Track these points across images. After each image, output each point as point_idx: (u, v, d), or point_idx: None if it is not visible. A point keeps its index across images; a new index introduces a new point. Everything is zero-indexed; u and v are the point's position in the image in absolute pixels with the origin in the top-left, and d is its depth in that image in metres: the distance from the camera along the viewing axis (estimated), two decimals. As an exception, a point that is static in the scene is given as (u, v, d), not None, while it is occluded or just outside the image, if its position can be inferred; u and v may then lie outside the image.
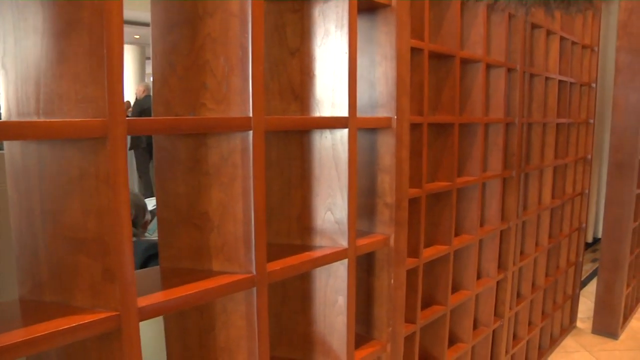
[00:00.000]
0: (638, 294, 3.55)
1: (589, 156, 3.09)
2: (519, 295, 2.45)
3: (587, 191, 3.11)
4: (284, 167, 0.94)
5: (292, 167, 0.94)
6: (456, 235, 1.90)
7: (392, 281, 1.00)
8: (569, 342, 3.04)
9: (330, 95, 0.89)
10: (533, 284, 2.58)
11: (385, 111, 0.99)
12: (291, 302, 0.97)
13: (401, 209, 0.99)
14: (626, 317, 3.28)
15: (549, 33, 2.39)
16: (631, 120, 2.91)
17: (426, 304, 1.80)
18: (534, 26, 2.24)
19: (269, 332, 0.77)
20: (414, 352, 1.63)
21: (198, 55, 0.77)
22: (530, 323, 2.61)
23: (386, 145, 0.97)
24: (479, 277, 2.08)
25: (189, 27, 0.77)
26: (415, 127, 1.55)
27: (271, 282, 0.80)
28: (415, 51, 1.52)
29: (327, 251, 0.90)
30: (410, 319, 1.64)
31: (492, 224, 2.05)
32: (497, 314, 2.23)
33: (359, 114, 0.98)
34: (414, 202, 1.57)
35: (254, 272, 0.78)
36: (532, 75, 2.29)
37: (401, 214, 0.99)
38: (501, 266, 2.18)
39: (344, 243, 0.92)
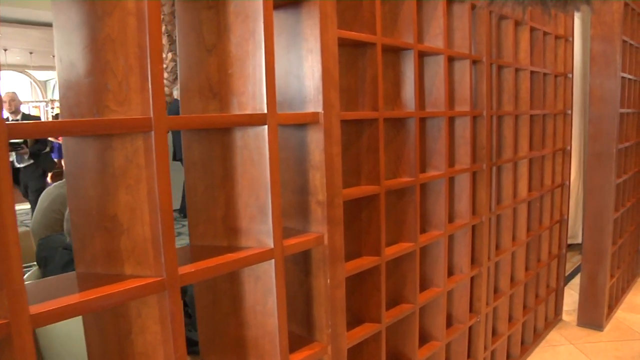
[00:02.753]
0: (622, 284, 3.53)
1: (568, 147, 3.06)
2: (497, 290, 2.42)
3: (567, 183, 3.08)
4: (207, 167, 0.90)
5: (215, 167, 0.91)
6: (424, 231, 1.87)
7: (329, 281, 0.96)
8: (553, 335, 3.01)
9: (249, 92, 0.86)
10: (512, 279, 2.55)
11: (313, 106, 0.95)
12: (222, 304, 0.94)
13: (334, 206, 0.95)
14: (611, 308, 3.25)
15: (517, 24, 2.36)
16: (608, 109, 2.88)
17: (395, 302, 1.77)
18: (501, 17, 2.21)
19: (184, 335, 0.74)
20: (381, 351, 1.59)
21: (99, 56, 0.74)
22: (511, 318, 2.58)
23: (315, 141, 0.94)
24: (451, 273, 2.05)
25: (89, 28, 0.73)
26: (371, 122, 1.51)
27: (183, 285, 0.76)
28: (368, 45, 1.49)
29: (250, 252, 0.87)
30: (375, 318, 1.60)
31: (463, 219, 2.01)
32: (473, 310, 2.19)
33: (288, 110, 0.95)
34: (373, 199, 1.54)
35: (164, 276, 0.75)
36: (500, 67, 2.26)
37: (334, 211, 0.95)
38: (475, 262, 2.15)
39: (269, 243, 0.89)
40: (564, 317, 3.24)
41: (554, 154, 2.89)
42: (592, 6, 0.85)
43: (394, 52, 1.66)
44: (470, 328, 2.16)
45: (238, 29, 0.85)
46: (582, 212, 4.77)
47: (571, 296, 3.50)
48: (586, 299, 3.07)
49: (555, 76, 2.83)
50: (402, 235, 1.72)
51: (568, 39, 2.93)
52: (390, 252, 1.62)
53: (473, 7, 1.98)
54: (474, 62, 2.03)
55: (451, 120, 1.96)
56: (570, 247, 4.71)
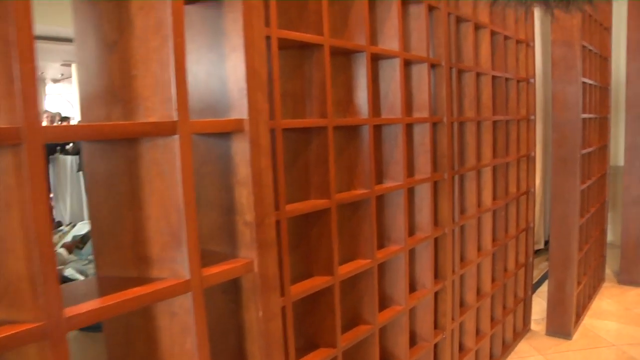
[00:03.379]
0: (589, 291, 3.49)
1: (532, 153, 3.01)
2: (463, 304, 2.32)
3: (532, 190, 3.02)
4: (111, 185, 0.76)
5: (121, 184, 0.77)
6: (382, 246, 1.75)
7: (260, 313, 0.83)
8: (522, 346, 2.93)
9: (157, 96, 0.72)
10: (478, 291, 2.46)
11: (238, 112, 0.82)
12: (136, 345, 0.80)
13: (264, 227, 0.82)
14: (579, 316, 3.20)
15: (477, 27, 2.29)
16: (571, 114, 2.84)
17: (353, 324, 1.64)
18: (460, 20, 2.13)
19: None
20: (337, 380, 1.46)
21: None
22: (478, 332, 2.48)
23: (240, 152, 0.81)
24: (413, 289, 1.93)
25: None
26: (319, 130, 1.39)
27: (70, 330, 0.62)
28: (315, 47, 1.37)
29: (161, 285, 0.73)
30: (330, 343, 1.47)
31: (425, 232, 1.90)
32: (439, 327, 2.08)
33: (211, 117, 0.82)
34: (323, 214, 1.41)
35: (45, 320, 0.61)
36: (461, 71, 2.17)
37: (265, 233, 0.82)
38: (439, 276, 2.04)
39: (185, 274, 0.75)
40: (533, 326, 3.17)
41: (518, 161, 2.83)
42: (595, 6, 0.77)
43: (344, 55, 1.54)
44: (435, 345, 2.05)
45: (142, 22, 0.72)
46: (544, 218, 4.77)
47: (539, 304, 3.44)
48: (554, 308, 3.01)
49: (518, 81, 2.77)
50: (358, 251, 1.60)
51: (529, 44, 2.89)
52: (345, 270, 1.49)
53: (430, 8, 1.89)
54: (433, 66, 1.93)
55: (409, 128, 1.86)
56: (535, 253, 4.69)
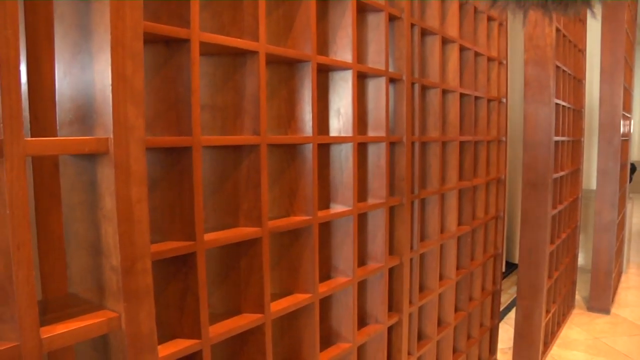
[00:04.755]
0: (558, 318, 3.37)
1: (503, 176, 2.88)
2: (422, 337, 2.15)
3: (502, 214, 2.89)
4: None
5: None
6: (328, 278, 1.58)
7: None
8: (487, 379, 2.78)
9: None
10: (440, 322, 2.30)
11: (104, 128, 0.65)
12: None
13: (134, 273, 0.65)
14: (547, 346, 3.07)
15: (445, 41, 2.15)
16: (542, 136, 2.72)
17: (292, 366, 1.46)
18: (425, 32, 1.99)
19: None
20: None
21: None
22: (439, 366, 2.32)
23: (106, 179, 0.64)
24: (364, 324, 1.76)
25: None
26: (251, 149, 1.22)
27: None
28: (248, 54, 1.20)
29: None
30: (260, 393, 1.29)
31: (378, 261, 1.74)
32: (393, 364, 1.91)
33: (80, 134, 0.65)
34: (253, 244, 1.23)
35: None
36: (425, 88, 2.03)
37: (136, 281, 0.65)
38: (394, 308, 1.88)
39: (15, 336, 0.57)
40: (499, 356, 3.02)
41: (487, 184, 2.69)
42: (593, 9, 0.84)
43: (287, 65, 1.38)
44: (388, 385, 1.88)
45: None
46: (505, 240, 4.66)
47: (507, 332, 3.31)
48: (521, 338, 2.86)
49: (489, 100, 2.65)
50: (297, 285, 1.42)
51: (502, 62, 2.77)
52: (279, 307, 1.31)
53: (391, 18, 1.74)
54: (392, 81, 1.78)
55: (362, 148, 1.70)
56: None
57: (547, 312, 2.98)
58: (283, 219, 1.36)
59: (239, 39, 1.15)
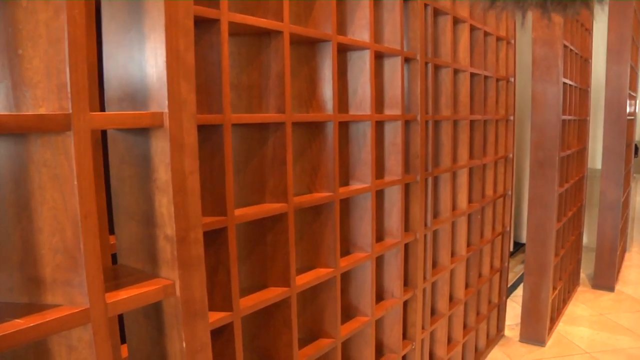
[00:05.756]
0: (564, 295, 3.43)
1: (510, 155, 2.91)
2: (434, 312, 2.21)
3: (509, 192, 2.93)
4: (-6, 192, 0.62)
5: (6, 191, 0.62)
6: (348, 253, 1.62)
7: (184, 344, 0.69)
8: (495, 353, 2.84)
9: (47, 81, 0.58)
10: (451, 298, 2.35)
11: (157, 104, 0.68)
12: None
13: (189, 243, 0.68)
14: (553, 322, 3.13)
15: (456, 21, 2.17)
16: (550, 115, 2.75)
17: (314, 338, 1.51)
18: (438, 12, 2.01)
19: None
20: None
21: None
22: (450, 340, 2.38)
23: (160, 153, 0.67)
24: (381, 298, 1.81)
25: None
26: (277, 127, 1.25)
27: None
28: (273, 34, 1.23)
29: (53, 315, 0.59)
30: (287, 359, 1.34)
31: (394, 237, 1.78)
32: (407, 337, 1.97)
33: (131, 109, 0.68)
34: (279, 219, 1.27)
35: None
36: (437, 67, 2.05)
37: (190, 250, 0.69)
38: (409, 284, 1.93)
39: (83, 300, 0.61)
40: (507, 332, 3.09)
41: (496, 163, 2.73)
42: (592, 9, 0.84)
43: (309, 45, 1.40)
44: (404, 357, 1.93)
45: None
46: (513, 220, 4.71)
47: (514, 309, 3.37)
48: (528, 315, 2.93)
49: (497, 79, 2.67)
50: (319, 260, 1.47)
51: (510, 42, 2.79)
52: (303, 281, 1.36)
53: (405, -2, 1.76)
54: (407, 60, 1.81)
55: (379, 126, 1.73)
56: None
57: (554, 289, 3.04)
58: (306, 195, 1.40)
59: (265, 19, 1.18)
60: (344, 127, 1.58)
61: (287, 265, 1.29)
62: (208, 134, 1.10)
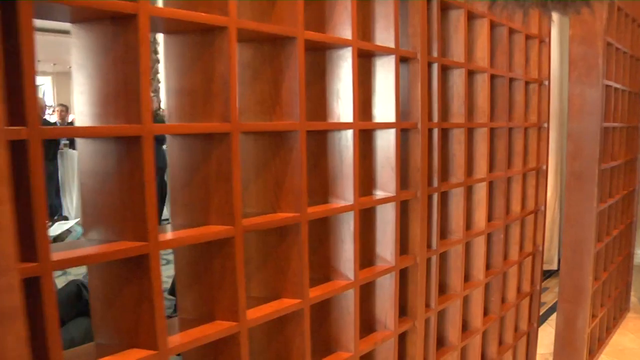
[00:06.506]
0: (608, 323, 3.06)
1: (544, 167, 2.61)
2: (444, 343, 1.96)
3: (542, 208, 2.62)
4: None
5: None
6: (326, 280, 1.42)
7: None
8: (523, 388, 2.55)
9: None
10: (466, 327, 2.10)
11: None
12: None
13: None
14: (593, 354, 2.78)
15: (472, 16, 1.92)
16: (589, 122, 2.44)
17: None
18: (447, 6, 1.78)
19: None
20: None
21: None
22: (464, 374, 2.12)
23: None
24: (371, 330, 1.60)
25: None
26: (221, 138, 1.07)
27: None
28: (217, 30, 1.06)
29: None
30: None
31: (387, 262, 1.57)
32: (407, 374, 1.74)
33: None
34: (225, 244, 1.10)
35: None
36: (446, 68, 1.82)
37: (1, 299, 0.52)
38: (407, 313, 1.70)
39: None
40: (539, 363, 2.78)
41: (524, 175, 2.44)
42: (593, 8, 0.83)
43: (271, 43, 1.22)
44: (401, 396, 1.71)
45: None
46: (560, 236, 4.32)
47: (550, 335, 3.04)
48: (562, 346, 2.61)
49: (527, 83, 2.38)
50: (285, 288, 1.28)
51: (544, 40, 2.49)
52: (259, 313, 1.17)
53: (402, -10, 1.55)
54: (405, 60, 1.59)
55: (367, 135, 1.52)
56: (547, 273, 4.26)
57: (594, 317, 2.70)
58: (265, 215, 1.21)
59: (204, 14, 1.01)
60: (321, 138, 1.39)
61: (235, 296, 1.11)
62: (127, 147, 0.94)
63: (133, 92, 0.91)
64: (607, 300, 2.95)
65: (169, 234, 1.02)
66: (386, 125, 1.51)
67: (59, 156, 6.55)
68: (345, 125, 1.35)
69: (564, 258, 2.55)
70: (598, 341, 2.87)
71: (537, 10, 0.84)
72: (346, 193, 1.39)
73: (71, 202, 6.67)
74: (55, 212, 6.58)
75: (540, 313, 3.60)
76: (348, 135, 1.37)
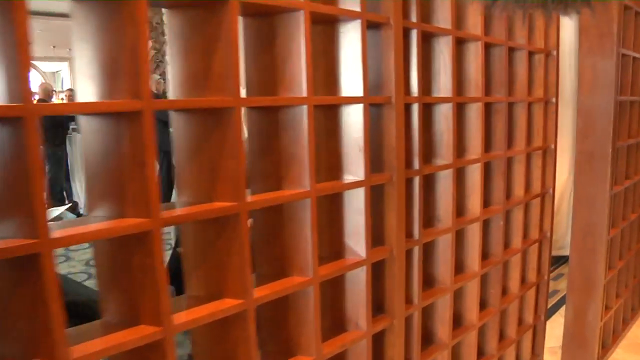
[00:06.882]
0: (625, 314, 2.83)
1: (552, 146, 2.38)
2: (432, 341, 1.80)
3: (550, 191, 2.40)
4: None
5: None
6: (283, 276, 1.27)
7: None
8: (528, 385, 2.36)
9: None
10: (458, 323, 1.92)
11: None
12: None
13: None
14: (607, 348, 2.58)
15: (461, -23, 1.71)
16: (601, 96, 2.20)
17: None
18: (429, -35, 1.57)
19: None
20: None
21: None
22: (458, 372, 1.95)
23: None
24: (342, 331, 1.44)
25: None
26: (132, 118, 0.92)
27: None
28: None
29: None
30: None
31: (357, 255, 1.40)
32: (385, 376, 1.58)
33: None
34: (142, 240, 0.95)
35: None
36: (430, 36, 1.62)
37: None
38: (385, 311, 1.53)
39: None
40: (547, 357, 2.58)
41: (528, 156, 2.22)
42: (593, 8, 0.83)
43: (204, 9, 1.05)
44: (379, 400, 1.55)
45: None
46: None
47: (562, 327, 2.83)
48: (571, 339, 2.41)
49: (530, 53, 2.15)
50: (227, 287, 1.13)
51: (551, 5, 2.24)
52: (189, 317, 1.03)
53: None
54: (375, 26, 1.40)
55: (329, 112, 1.35)
56: (562, 260, 4.02)
57: (607, 308, 2.49)
58: (197, 205, 1.06)
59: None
60: (272, 115, 1.22)
61: (157, 298, 0.96)
62: (11, 129, 0.80)
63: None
64: (623, 291, 2.72)
65: (69, 230, 0.88)
66: (351, 100, 1.33)
67: (67, 142, 6.54)
68: (297, 100, 1.18)
69: (573, 245, 2.34)
70: (613, 334, 2.66)
71: (537, 10, 0.83)
72: (302, 178, 1.22)
73: (81, 188, 6.66)
74: (67, 197, 6.60)
75: (553, 302, 3.39)
76: (302, 112, 1.20)
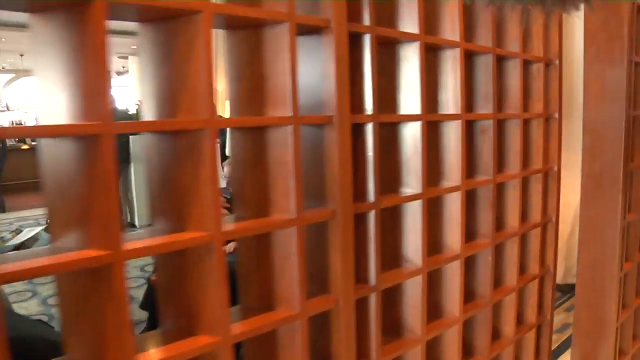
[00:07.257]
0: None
1: (555, 167, 2.09)
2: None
3: (553, 219, 2.11)
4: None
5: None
6: (194, 334, 1.03)
7: None
8: None
9: None
10: (435, 376, 1.64)
11: None
12: None
13: None
14: (623, 401, 2.25)
15: (432, -25, 1.46)
16: (611, 109, 1.91)
17: None
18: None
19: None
20: None
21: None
22: None
23: None
24: (273, 398, 1.19)
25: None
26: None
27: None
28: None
29: None
30: None
31: (290, 307, 1.15)
32: None
33: None
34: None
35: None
36: (390, 42, 1.37)
37: None
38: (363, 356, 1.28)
39: None
40: (554, 406, 2.27)
41: (524, 180, 1.94)
42: (592, 5, 0.78)
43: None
44: None
45: None
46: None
47: (573, 369, 2.51)
48: (579, 391, 2.10)
49: (526, 62, 1.88)
50: (107, 349, 0.90)
51: (551, 8, 1.97)
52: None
53: None
54: (310, 32, 1.16)
55: (256, 135, 1.11)
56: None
57: (623, 354, 2.17)
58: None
59: None
60: (165, 141, 0.99)
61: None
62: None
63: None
64: (642, 331, 2.39)
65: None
66: (274, 122, 1.09)
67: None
68: (193, 124, 0.95)
69: (579, 283, 2.04)
70: (630, 382, 2.32)
71: (535, 8, 0.80)
72: (205, 219, 0.98)
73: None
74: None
75: (564, 338, 3.05)
76: (203, 138, 0.97)
